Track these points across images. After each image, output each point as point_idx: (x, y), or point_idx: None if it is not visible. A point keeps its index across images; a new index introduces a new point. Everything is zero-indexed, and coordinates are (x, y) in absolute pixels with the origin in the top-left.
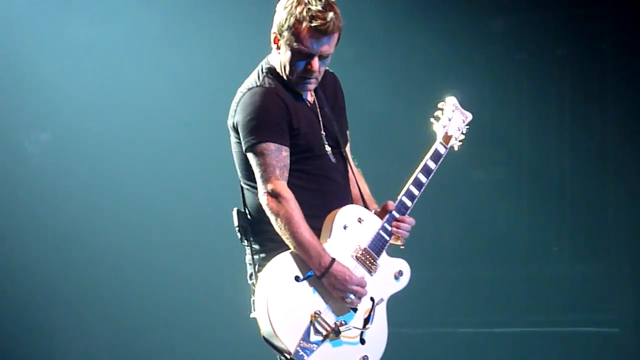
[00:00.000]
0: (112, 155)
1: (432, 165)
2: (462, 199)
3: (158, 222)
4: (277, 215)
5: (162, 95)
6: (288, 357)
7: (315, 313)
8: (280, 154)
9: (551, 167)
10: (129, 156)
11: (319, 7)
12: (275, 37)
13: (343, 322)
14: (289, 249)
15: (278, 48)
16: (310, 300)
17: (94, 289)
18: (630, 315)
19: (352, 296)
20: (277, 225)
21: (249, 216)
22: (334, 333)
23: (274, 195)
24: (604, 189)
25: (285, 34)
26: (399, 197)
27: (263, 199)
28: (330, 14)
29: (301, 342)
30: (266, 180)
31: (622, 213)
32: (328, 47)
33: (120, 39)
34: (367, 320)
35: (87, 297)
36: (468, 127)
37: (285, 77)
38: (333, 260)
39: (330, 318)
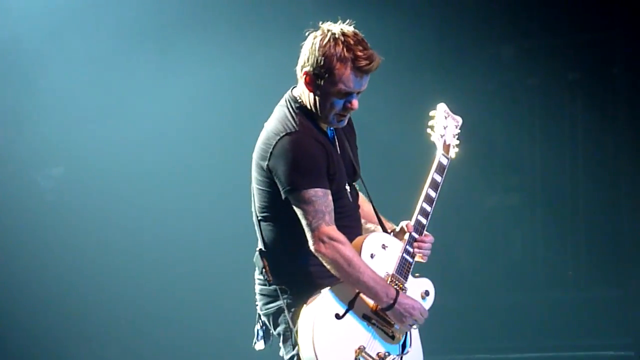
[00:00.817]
0: (125, 187)
1: (438, 178)
2: (477, 225)
3: (169, 247)
4: (335, 260)
5: (173, 128)
6: None
7: (359, 348)
8: (327, 199)
9: (565, 192)
10: (140, 188)
11: (360, 47)
12: (308, 77)
13: (386, 353)
14: (318, 288)
15: (310, 86)
16: (352, 336)
17: (106, 301)
18: None
19: (416, 322)
20: (336, 270)
21: (269, 253)
22: None
23: (328, 241)
24: (618, 213)
25: (325, 75)
26: (414, 217)
27: (315, 247)
28: (371, 52)
29: None
30: (317, 227)
31: (637, 237)
32: (366, 83)
33: (128, 74)
34: (404, 346)
35: (99, 312)
36: (460, 131)
37: (318, 115)
38: (398, 292)
39: (373, 350)
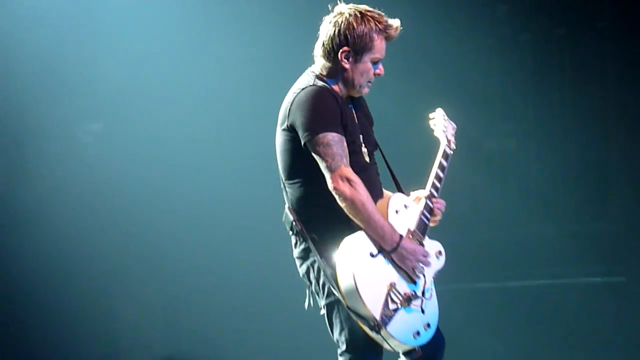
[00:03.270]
0: (162, 142)
1: (444, 162)
2: (477, 166)
3: (206, 203)
4: (350, 199)
5: (213, 87)
6: (372, 324)
7: (390, 284)
8: (343, 144)
9: (555, 135)
10: (179, 142)
11: (384, 18)
12: (347, 52)
13: (413, 293)
14: (347, 233)
15: (347, 61)
16: (384, 273)
17: (150, 268)
18: (634, 265)
19: (420, 265)
20: (350, 208)
21: (297, 207)
22: (407, 302)
23: (346, 181)
24: (606, 150)
25: (364, 48)
26: (429, 183)
27: (334, 185)
28: (393, 20)
29: (383, 309)
30: (336, 167)
31: (624, 173)
32: None
33: (171, 34)
34: (423, 293)
35: (143, 275)
36: (455, 135)
37: (353, 86)
38: (401, 236)
39: (402, 289)
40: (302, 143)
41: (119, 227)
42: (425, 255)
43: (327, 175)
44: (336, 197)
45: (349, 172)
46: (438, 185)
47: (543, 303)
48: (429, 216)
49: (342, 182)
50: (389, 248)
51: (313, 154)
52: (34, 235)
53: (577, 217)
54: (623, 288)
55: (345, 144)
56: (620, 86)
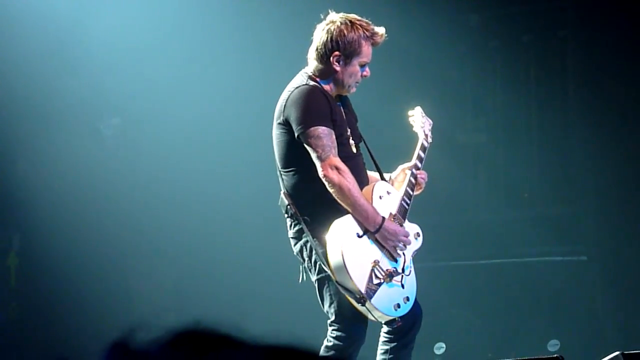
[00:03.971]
0: (172, 136)
1: (422, 154)
2: (451, 157)
3: (213, 190)
4: (339, 185)
5: (229, 86)
6: (358, 296)
7: (374, 261)
8: (332, 136)
9: (521, 130)
10: (189, 136)
11: (371, 26)
12: (338, 56)
13: (394, 270)
14: (336, 215)
15: (337, 64)
16: (369, 252)
17: (164, 245)
18: (594, 245)
19: (401, 245)
20: (338, 193)
21: (292, 192)
22: (389, 277)
23: (334, 168)
24: (567, 139)
25: (354, 52)
26: (415, 154)
27: (324, 173)
28: (379, 28)
29: (368, 284)
30: (326, 157)
31: (584, 161)
32: None
33: (188, 32)
34: (403, 270)
35: (159, 249)
36: (431, 130)
37: (342, 86)
38: (384, 218)
39: (384, 266)
40: (296, 135)
41: (133, 210)
42: (406, 235)
43: (318, 164)
44: (326, 183)
45: (337, 161)
46: (419, 165)
47: (511, 279)
48: (408, 201)
49: (331, 170)
50: (372, 229)
51: (305, 145)
52: (59, 221)
53: (541, 201)
54: (584, 266)
55: (334, 136)
56: (579, 85)
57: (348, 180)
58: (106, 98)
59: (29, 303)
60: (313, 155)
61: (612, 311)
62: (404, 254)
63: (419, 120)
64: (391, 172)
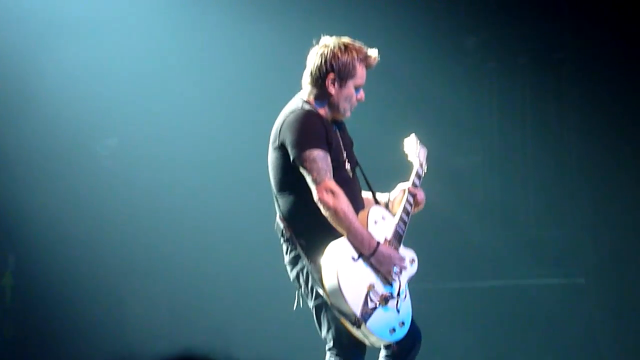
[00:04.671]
0: (175, 156)
1: (417, 182)
2: (447, 178)
3: (209, 211)
4: (334, 208)
5: (222, 103)
6: (353, 319)
7: (369, 285)
8: (327, 160)
9: (516, 151)
10: (189, 156)
11: (364, 49)
12: (332, 79)
13: (389, 294)
14: (331, 239)
15: (333, 86)
16: (364, 275)
17: (156, 267)
18: (591, 268)
19: (395, 269)
20: (333, 217)
21: (287, 216)
22: (384, 301)
23: (329, 192)
24: (563, 166)
25: (349, 75)
26: (410, 182)
27: (319, 196)
28: (371, 50)
29: (363, 307)
30: (321, 180)
31: (579, 185)
32: None
33: (181, 50)
34: (398, 294)
35: (151, 273)
36: (427, 158)
37: (338, 109)
38: (378, 243)
39: (379, 290)
40: (292, 159)
41: (128, 230)
42: (401, 259)
43: (313, 187)
44: (320, 207)
45: (332, 184)
46: (411, 200)
47: (508, 302)
48: (404, 227)
49: (326, 194)
50: (367, 253)
51: (301, 169)
52: (54, 240)
53: (537, 223)
54: (581, 289)
55: (329, 159)
56: (575, 108)
57: (343, 203)
58: (103, 118)
59: (24, 323)
60: (308, 179)
61: (609, 334)
62: (399, 278)
63: (414, 149)
64: (390, 192)
